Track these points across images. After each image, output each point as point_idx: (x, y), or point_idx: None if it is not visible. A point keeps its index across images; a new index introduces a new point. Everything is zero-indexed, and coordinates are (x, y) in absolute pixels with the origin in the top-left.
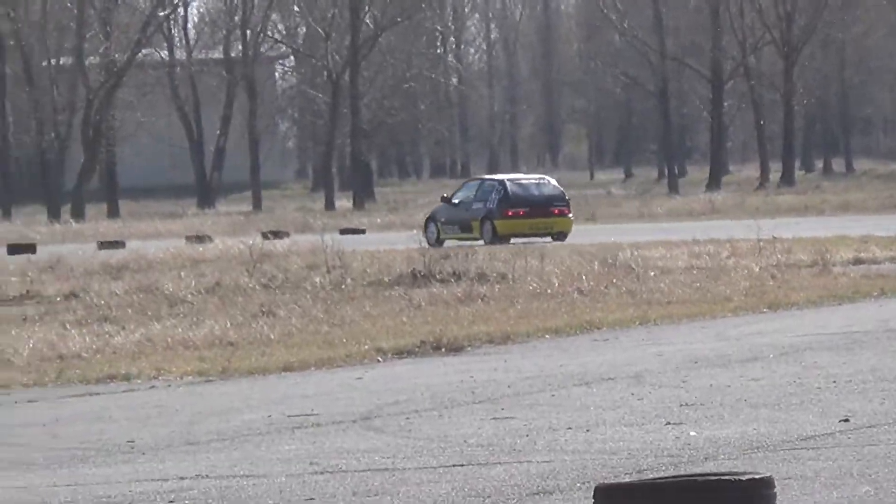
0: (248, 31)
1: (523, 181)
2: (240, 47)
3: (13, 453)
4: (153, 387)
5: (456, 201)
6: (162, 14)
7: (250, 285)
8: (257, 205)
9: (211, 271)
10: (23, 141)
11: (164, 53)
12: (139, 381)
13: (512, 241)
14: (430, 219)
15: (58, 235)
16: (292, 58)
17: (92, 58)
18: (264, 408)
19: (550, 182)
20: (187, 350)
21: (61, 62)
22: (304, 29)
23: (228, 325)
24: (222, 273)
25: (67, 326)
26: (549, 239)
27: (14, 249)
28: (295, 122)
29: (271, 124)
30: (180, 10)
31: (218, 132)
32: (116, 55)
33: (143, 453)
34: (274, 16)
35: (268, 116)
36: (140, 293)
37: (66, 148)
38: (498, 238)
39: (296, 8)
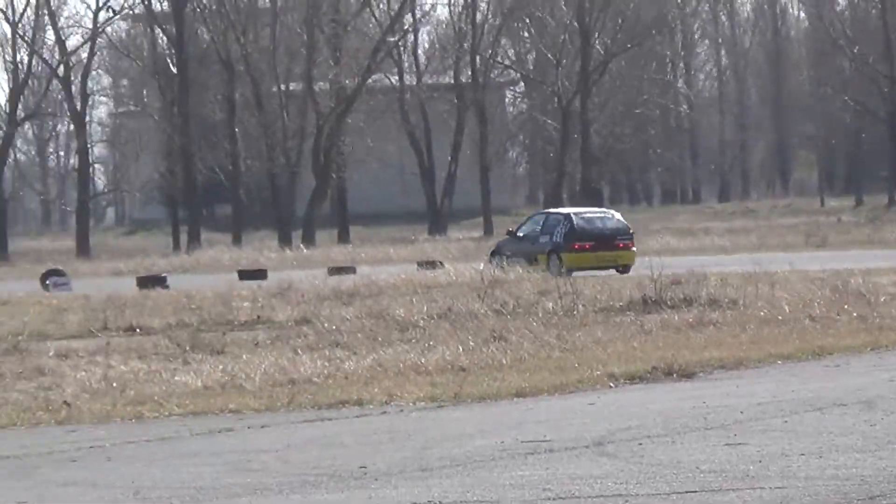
0: (478, 57)
1: (588, 215)
2: (470, 73)
3: (247, 479)
4: (385, 412)
5: (521, 235)
6: (392, 39)
7: (482, 311)
8: (488, 230)
9: (442, 297)
10: (253, 167)
11: (395, 79)
12: (371, 407)
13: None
14: (496, 252)
15: (288, 261)
16: (522, 83)
17: (322, 83)
18: (497, 433)
19: (615, 216)
20: (419, 375)
21: (291, 88)
22: (534, 55)
23: (460, 350)
24: (454, 298)
25: (299, 352)
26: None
27: (245, 275)
28: (525, 148)
29: (501, 150)
30: (410, 35)
31: (449, 158)
32: (346, 81)
33: (376, 479)
34: (504, 41)
35: (498, 142)
36: (371, 318)
37: (297, 174)
38: (565, 271)
39: (526, 34)
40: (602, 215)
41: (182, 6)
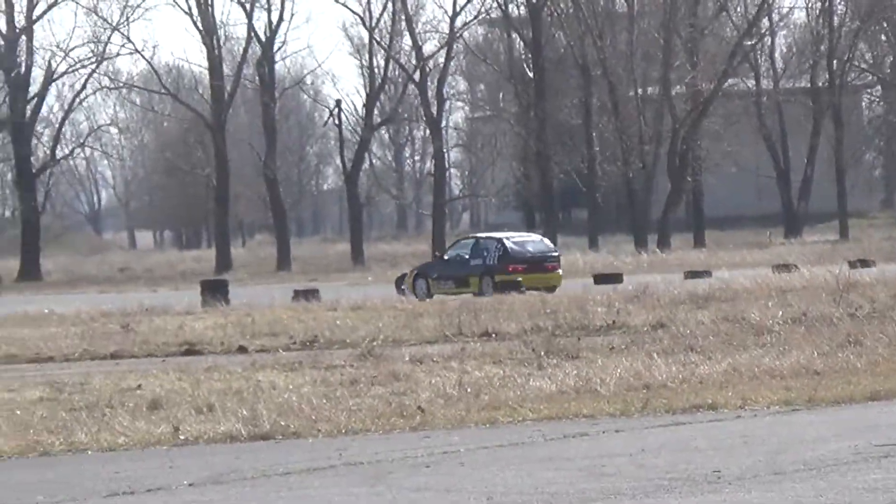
0: (835, 61)
1: (519, 239)
2: (826, 76)
3: (601, 483)
4: (739, 416)
5: (447, 258)
6: (749, 43)
7: (836, 315)
8: (843, 234)
9: (797, 301)
10: (609, 171)
11: (751, 83)
12: (725, 411)
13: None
14: (420, 275)
15: (643, 265)
16: (879, 87)
17: (678, 87)
18: (850, 437)
19: (543, 240)
20: (773, 379)
21: (648, 92)
22: (892, 58)
23: (814, 354)
24: (808, 303)
25: (654, 356)
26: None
27: (601, 279)
28: (881, 152)
29: (858, 153)
30: (767, 39)
31: (804, 161)
32: (703, 85)
33: (729, 483)
34: (861, 45)
35: (854, 146)
36: (726, 323)
37: (652, 178)
38: (498, 292)
39: (883, 37)
40: (531, 239)
41: (539, 10)
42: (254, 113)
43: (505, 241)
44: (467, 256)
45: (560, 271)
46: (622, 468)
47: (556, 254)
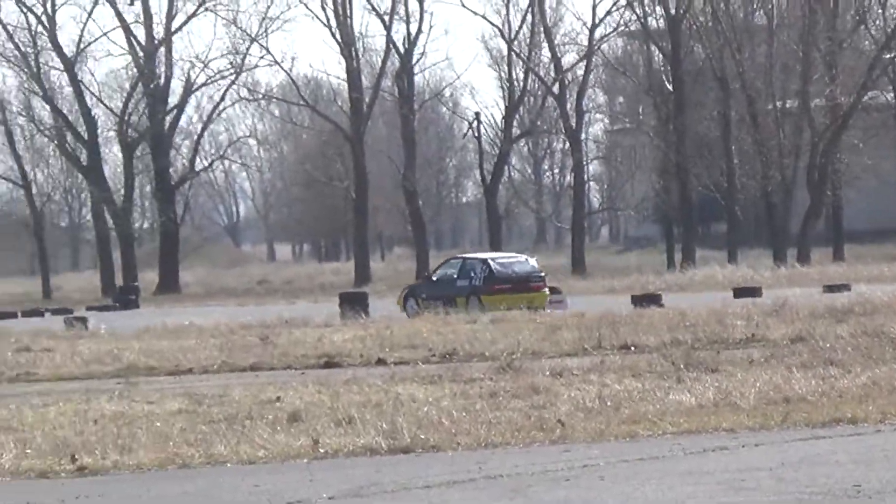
0: None
1: (504, 260)
2: None
3: (740, 497)
4: (879, 430)
5: (435, 279)
6: (888, 57)
7: None
8: None
9: None
10: (748, 185)
11: (890, 96)
12: (865, 425)
13: None
14: (410, 294)
15: (783, 279)
16: None
17: (818, 100)
18: None
19: (528, 261)
20: None
21: (786, 105)
22: None
23: None
24: None
25: (793, 370)
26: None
27: (740, 293)
28: None
29: None
30: None
31: None
32: (842, 98)
33: (869, 497)
34: None
35: None
36: (866, 336)
37: (792, 191)
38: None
39: None
40: (516, 259)
41: (678, 23)
42: (392, 125)
43: (490, 261)
44: (455, 276)
45: (546, 290)
46: (762, 482)
47: (541, 274)
